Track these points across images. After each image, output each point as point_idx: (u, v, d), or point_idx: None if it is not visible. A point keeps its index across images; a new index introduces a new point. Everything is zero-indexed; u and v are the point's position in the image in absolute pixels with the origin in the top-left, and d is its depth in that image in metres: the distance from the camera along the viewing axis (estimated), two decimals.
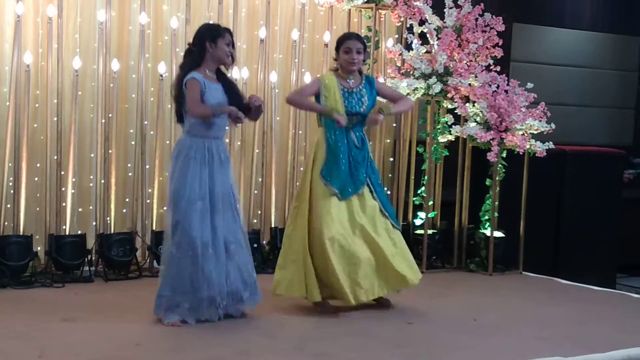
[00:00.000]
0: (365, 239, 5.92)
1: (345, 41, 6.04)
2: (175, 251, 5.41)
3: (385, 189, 8.05)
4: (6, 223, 6.57)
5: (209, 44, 5.47)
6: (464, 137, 7.66)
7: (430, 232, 7.76)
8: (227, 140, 6.65)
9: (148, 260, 7.04)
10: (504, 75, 7.64)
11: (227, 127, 5.73)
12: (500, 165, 7.64)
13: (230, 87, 5.61)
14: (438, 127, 7.77)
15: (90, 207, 7.06)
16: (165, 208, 6.52)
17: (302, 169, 7.70)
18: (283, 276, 5.95)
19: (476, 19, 7.75)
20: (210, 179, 5.45)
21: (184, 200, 5.41)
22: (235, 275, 5.52)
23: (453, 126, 7.64)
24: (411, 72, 7.56)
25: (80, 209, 7.00)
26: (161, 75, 7.00)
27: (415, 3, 7.70)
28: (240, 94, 5.69)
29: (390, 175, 8.16)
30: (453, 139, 7.77)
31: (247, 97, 5.74)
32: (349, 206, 5.94)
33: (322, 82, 6.02)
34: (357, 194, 5.96)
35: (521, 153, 7.46)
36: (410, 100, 6.49)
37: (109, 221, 6.93)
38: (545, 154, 7.48)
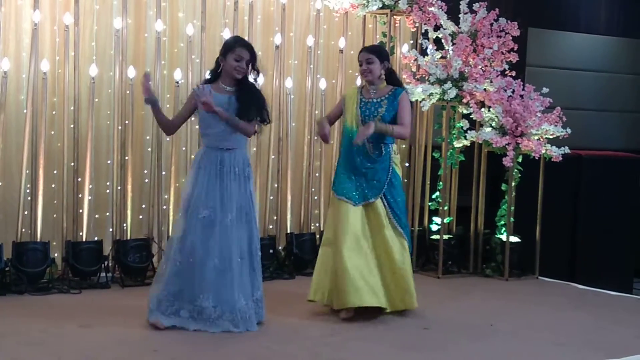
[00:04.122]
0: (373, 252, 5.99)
1: (358, 55, 6.17)
2: (178, 257, 5.47)
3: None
4: (23, 230, 6.60)
5: (220, 59, 5.58)
6: (480, 142, 7.65)
7: (446, 237, 7.75)
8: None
9: None
10: (520, 80, 7.63)
11: (240, 138, 5.60)
12: (516, 170, 7.63)
13: (241, 99, 5.55)
14: (453, 132, 7.76)
15: (107, 214, 7.10)
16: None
17: (317, 174, 7.75)
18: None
19: (491, 24, 7.75)
20: (220, 190, 5.48)
21: (189, 208, 5.49)
22: (239, 290, 5.48)
23: (468, 131, 7.64)
24: (426, 78, 7.56)
25: (96, 216, 7.03)
26: (177, 82, 7.03)
27: (430, 9, 7.70)
28: (252, 107, 5.56)
29: (405, 180, 8.15)
30: (468, 144, 7.77)
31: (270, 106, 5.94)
32: (362, 214, 5.98)
33: (343, 98, 6.22)
34: (367, 203, 5.99)
35: (537, 158, 7.45)
36: (405, 130, 6.02)
37: (125, 227, 6.96)
38: (561, 158, 7.46)
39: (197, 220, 5.46)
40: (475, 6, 7.80)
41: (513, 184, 7.65)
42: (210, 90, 5.49)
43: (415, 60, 7.64)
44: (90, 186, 6.86)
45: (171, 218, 7.13)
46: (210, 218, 5.45)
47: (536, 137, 7.45)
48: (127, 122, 6.95)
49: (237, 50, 5.54)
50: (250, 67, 5.58)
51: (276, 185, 7.59)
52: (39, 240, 6.57)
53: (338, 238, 5.90)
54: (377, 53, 6.13)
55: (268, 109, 5.72)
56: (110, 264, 6.85)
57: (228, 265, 5.43)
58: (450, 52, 7.56)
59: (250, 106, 5.55)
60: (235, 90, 5.57)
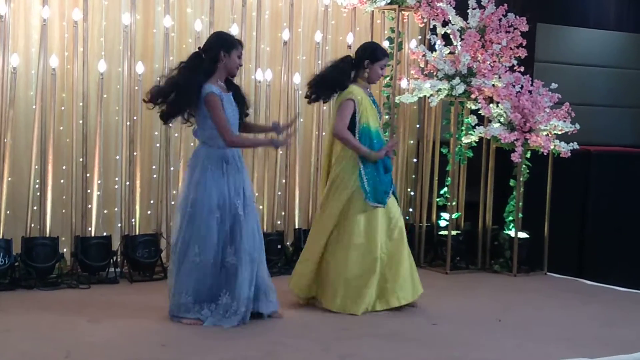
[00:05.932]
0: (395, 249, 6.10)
1: (384, 58, 6.16)
2: (197, 258, 5.46)
3: (409, 190, 8.10)
4: (33, 225, 6.63)
5: (223, 54, 5.49)
6: (488, 137, 7.64)
7: (454, 233, 7.75)
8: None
9: None
10: (528, 75, 7.62)
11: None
12: (524, 165, 7.62)
13: (238, 95, 5.65)
14: (462, 128, 7.76)
15: (116, 209, 7.12)
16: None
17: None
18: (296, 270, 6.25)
19: (500, 20, 7.74)
20: (229, 188, 5.49)
21: (204, 210, 5.45)
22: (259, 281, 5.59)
23: (477, 127, 7.63)
24: (434, 73, 7.55)
25: (105, 211, 7.05)
26: None
27: (438, 4, 7.70)
28: (245, 97, 5.74)
29: (413, 176, 8.17)
30: (477, 140, 7.76)
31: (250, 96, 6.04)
32: (387, 214, 6.06)
33: (356, 101, 6.03)
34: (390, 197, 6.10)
35: (545, 154, 7.44)
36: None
37: (134, 223, 6.98)
38: (569, 154, 7.45)
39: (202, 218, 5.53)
40: (484, 1, 7.79)
41: (521, 179, 7.64)
42: (220, 93, 5.48)
43: (424, 55, 7.64)
44: (99, 181, 6.88)
45: None
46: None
47: (545, 133, 7.44)
48: (135, 117, 6.97)
49: (240, 49, 5.59)
50: None
51: (284, 180, 7.59)
52: (48, 235, 6.60)
53: (371, 246, 5.98)
54: None
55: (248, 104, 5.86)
56: (118, 259, 6.87)
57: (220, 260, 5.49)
58: (459, 47, 7.55)
59: (244, 107, 5.72)
60: (227, 87, 5.60)
